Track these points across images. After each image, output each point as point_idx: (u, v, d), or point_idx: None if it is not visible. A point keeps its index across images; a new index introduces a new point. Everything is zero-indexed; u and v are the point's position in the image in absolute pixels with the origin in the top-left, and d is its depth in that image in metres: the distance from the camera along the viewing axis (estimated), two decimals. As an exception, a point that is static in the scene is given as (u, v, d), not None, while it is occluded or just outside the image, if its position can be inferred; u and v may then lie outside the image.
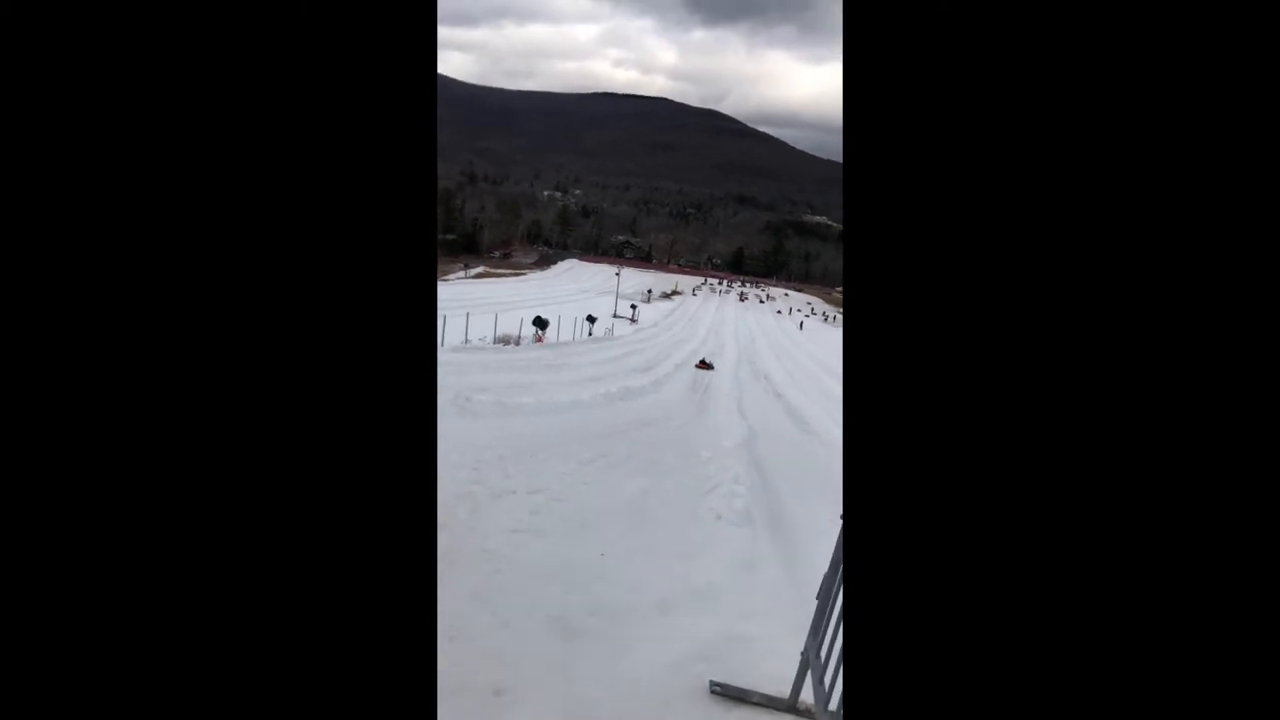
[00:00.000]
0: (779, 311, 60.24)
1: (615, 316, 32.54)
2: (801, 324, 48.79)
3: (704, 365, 19.20)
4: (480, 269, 61.14)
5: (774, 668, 2.17)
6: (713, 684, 2.09)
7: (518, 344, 16.61)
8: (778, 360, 25.11)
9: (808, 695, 2.01)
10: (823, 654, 1.90)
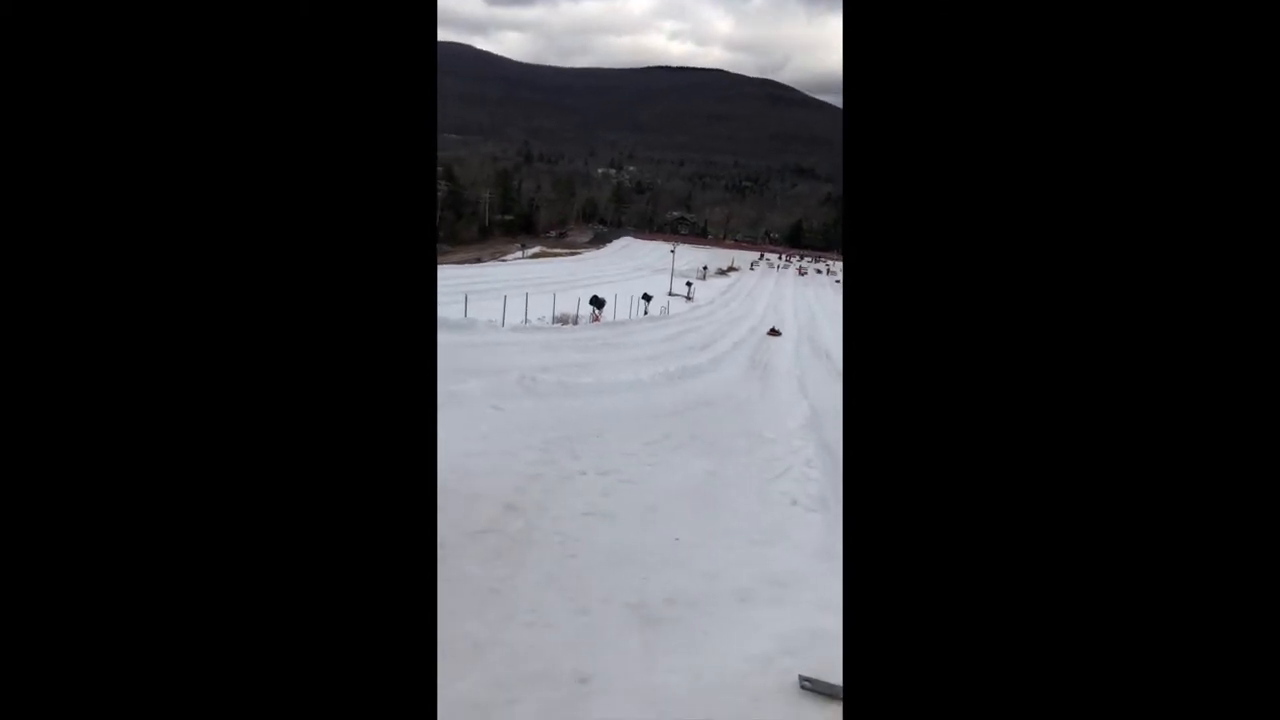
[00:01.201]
0: (837, 281, 59.02)
1: (671, 294, 32.37)
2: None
3: (773, 333, 21.20)
4: (537, 249, 61.79)
5: (864, 664, 2.09)
6: (802, 679, 2.02)
7: (575, 323, 16.71)
8: (839, 337, 24.51)
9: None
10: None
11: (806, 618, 2.40)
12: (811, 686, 2.01)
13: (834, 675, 2.06)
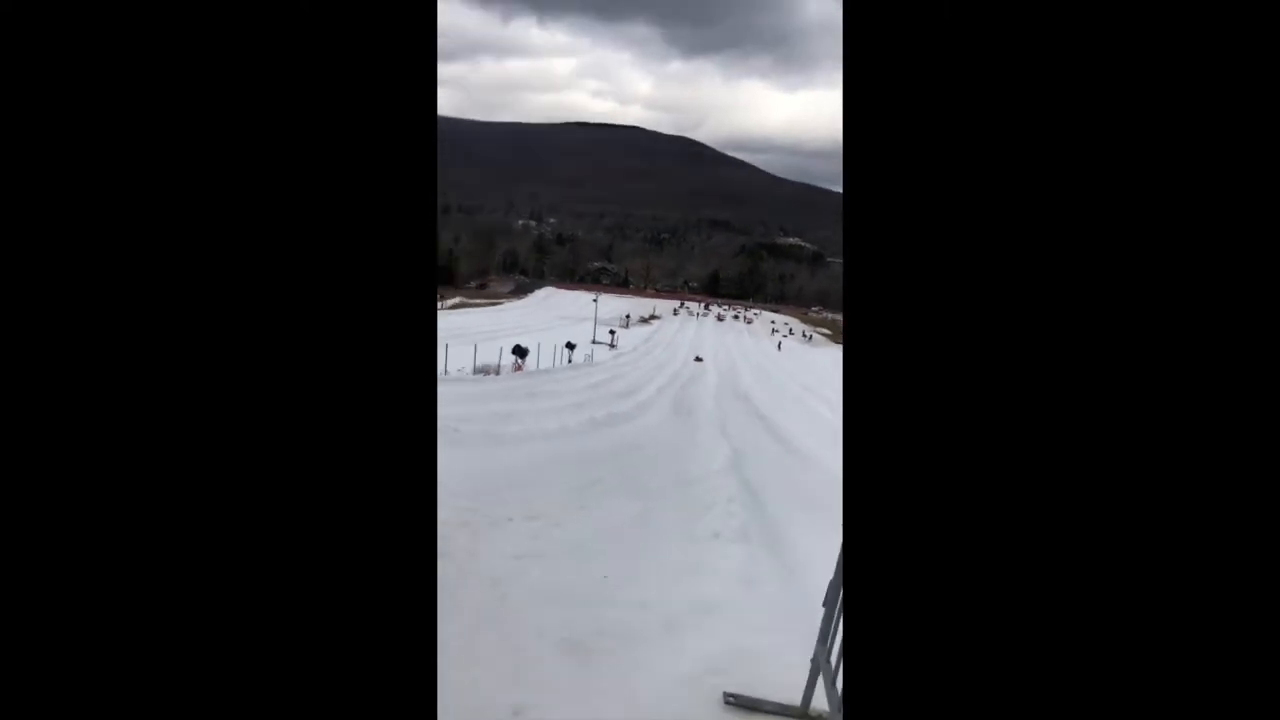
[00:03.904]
0: (748, 322, 62.07)
1: (594, 343, 32.58)
2: (780, 344, 49.28)
3: (698, 360, 25.81)
4: (456, 299, 60.99)
5: (783, 677, 2.23)
6: (726, 695, 2.15)
7: (498, 373, 16.57)
8: (756, 381, 25.32)
9: (818, 702, 2.08)
10: (832, 660, 1.97)
11: (730, 639, 2.53)
12: (735, 701, 2.14)
13: (756, 690, 2.20)
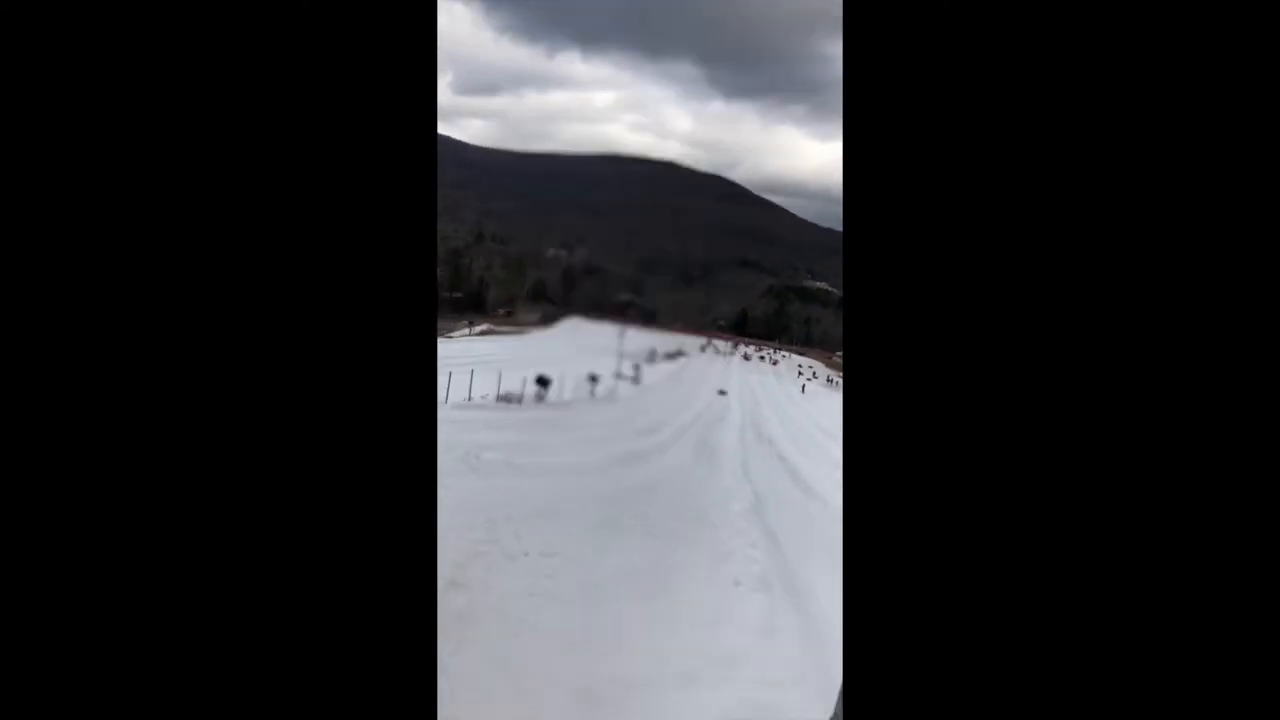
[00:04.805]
0: (774, 363, 62.32)
1: (618, 377, 32.62)
2: (804, 387, 48.93)
3: (722, 393, 25.32)
4: (484, 326, 61.92)
5: (802, 741, 2.14)
6: (742, 757, 2.06)
7: (520, 402, 16.64)
8: (781, 424, 25.03)
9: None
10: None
11: (748, 694, 2.45)
12: (752, 763, 2.05)
13: (773, 752, 2.11)
